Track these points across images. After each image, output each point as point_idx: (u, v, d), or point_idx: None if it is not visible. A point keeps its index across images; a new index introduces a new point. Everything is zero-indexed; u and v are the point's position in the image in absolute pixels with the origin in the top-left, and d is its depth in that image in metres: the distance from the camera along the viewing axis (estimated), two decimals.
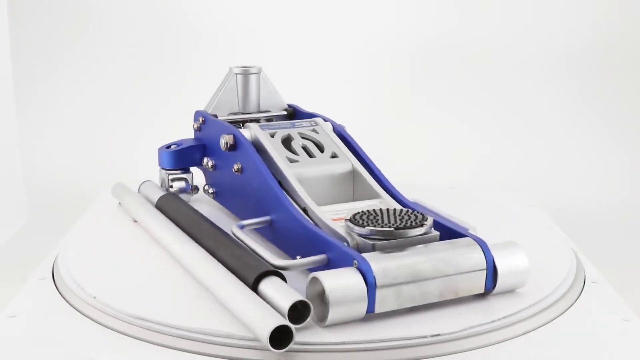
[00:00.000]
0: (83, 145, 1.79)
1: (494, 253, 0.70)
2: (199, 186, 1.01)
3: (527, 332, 0.68)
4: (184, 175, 0.99)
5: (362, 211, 0.72)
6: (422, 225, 0.70)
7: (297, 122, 0.91)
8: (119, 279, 0.76)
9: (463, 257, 0.69)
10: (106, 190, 1.12)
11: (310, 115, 0.95)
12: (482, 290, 0.70)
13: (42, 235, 1.38)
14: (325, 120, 0.92)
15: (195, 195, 1.01)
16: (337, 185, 0.83)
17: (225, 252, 0.74)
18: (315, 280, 0.65)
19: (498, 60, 1.83)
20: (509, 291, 0.72)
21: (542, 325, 0.70)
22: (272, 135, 0.87)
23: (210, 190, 0.97)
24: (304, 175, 0.82)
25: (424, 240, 0.70)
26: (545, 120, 1.82)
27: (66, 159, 1.76)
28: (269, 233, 0.82)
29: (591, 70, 1.82)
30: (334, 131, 0.90)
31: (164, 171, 1.00)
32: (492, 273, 0.70)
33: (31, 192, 1.68)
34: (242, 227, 0.78)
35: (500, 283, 0.70)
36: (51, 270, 0.81)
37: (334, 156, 0.85)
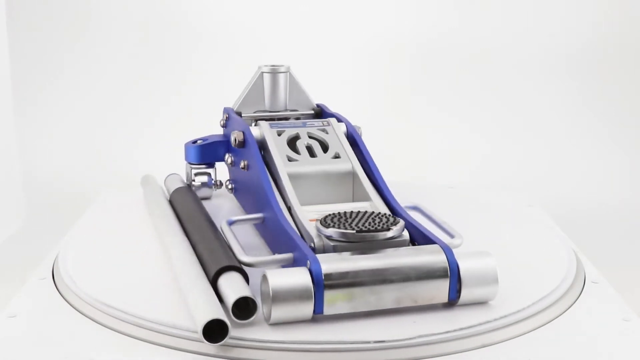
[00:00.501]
0: (83, 145, 1.79)
1: (461, 262, 0.67)
2: (222, 181, 1.02)
3: (527, 332, 0.68)
4: (207, 170, 1.02)
5: (336, 213, 0.72)
6: (388, 229, 0.68)
7: (309, 121, 0.91)
8: (119, 279, 0.76)
9: (424, 263, 0.66)
10: (106, 190, 1.12)
11: (332, 116, 0.95)
12: (445, 300, 0.67)
13: (42, 235, 1.38)
14: (340, 121, 0.92)
15: (218, 190, 1.02)
16: (333, 186, 0.83)
17: (203, 245, 0.75)
18: (264, 277, 0.65)
19: (498, 60, 1.83)
20: (479, 303, 0.69)
21: (542, 325, 0.70)
22: (280, 134, 0.88)
23: (230, 186, 0.98)
24: (299, 174, 0.82)
25: (389, 244, 0.69)
26: (545, 120, 1.82)
27: (66, 158, 1.76)
28: (262, 230, 0.84)
29: (591, 70, 1.82)
30: (347, 132, 0.90)
31: (189, 165, 1.02)
32: (457, 283, 0.67)
33: (31, 192, 1.68)
34: (231, 222, 0.79)
35: (466, 294, 0.67)
36: (51, 270, 0.81)
37: (336, 157, 0.85)
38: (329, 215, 0.71)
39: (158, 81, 1.83)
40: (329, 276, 0.64)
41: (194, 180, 1.01)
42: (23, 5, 1.79)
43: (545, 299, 0.72)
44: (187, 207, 0.89)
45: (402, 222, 0.70)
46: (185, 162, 1.03)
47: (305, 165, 0.84)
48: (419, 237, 0.72)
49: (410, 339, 0.64)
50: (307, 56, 1.83)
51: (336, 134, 0.88)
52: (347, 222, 0.70)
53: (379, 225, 0.69)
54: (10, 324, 0.69)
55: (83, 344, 0.65)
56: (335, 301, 0.65)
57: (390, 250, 0.68)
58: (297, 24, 1.85)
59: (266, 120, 0.96)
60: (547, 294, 0.73)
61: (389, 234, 0.68)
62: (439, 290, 0.67)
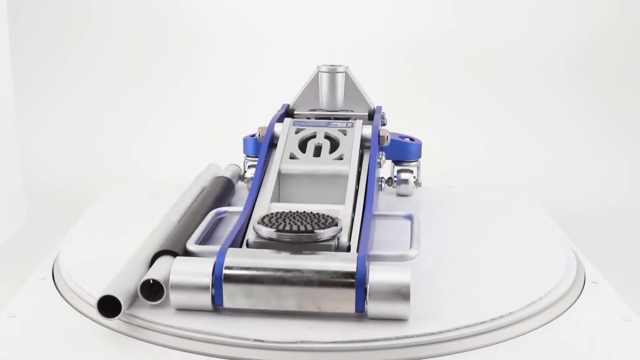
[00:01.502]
0: (83, 145, 1.79)
1: (372, 274, 0.64)
2: None
3: (527, 332, 0.68)
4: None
5: (282, 212, 0.72)
6: (311, 231, 0.67)
7: (335, 121, 0.92)
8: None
9: (329, 270, 0.64)
10: (106, 190, 1.12)
11: (382, 118, 0.99)
12: (352, 310, 0.65)
13: (42, 235, 1.38)
14: (369, 123, 0.92)
15: None
16: (323, 187, 0.83)
17: (177, 229, 0.79)
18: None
19: (498, 60, 1.83)
20: (392, 319, 0.65)
21: (542, 325, 0.70)
22: (298, 132, 0.89)
23: None
24: (292, 172, 0.83)
25: (309, 247, 0.68)
26: (546, 120, 1.82)
27: (66, 158, 1.76)
28: None
29: (591, 70, 1.82)
30: (366, 136, 0.89)
31: (245, 157, 1.06)
32: (364, 294, 0.64)
33: (31, 192, 1.68)
34: (220, 213, 0.82)
35: (372, 307, 0.64)
36: (51, 270, 0.81)
37: (339, 158, 0.85)
38: (275, 213, 0.72)
39: (158, 81, 1.83)
40: (229, 270, 0.65)
41: (245, 172, 1.05)
42: (24, 6, 1.79)
43: (545, 299, 0.72)
44: (203, 194, 0.94)
45: (333, 228, 0.68)
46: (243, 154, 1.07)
47: (301, 164, 0.85)
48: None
49: (290, 342, 0.62)
50: (307, 56, 1.83)
51: (353, 136, 0.88)
52: (283, 221, 0.69)
53: (303, 227, 0.68)
54: (10, 324, 0.69)
55: (83, 344, 0.65)
56: (234, 295, 0.65)
57: (300, 252, 0.67)
58: (297, 24, 1.84)
59: (319, 119, 0.98)
60: (547, 294, 0.73)
61: (309, 235, 0.67)
62: (344, 299, 0.64)
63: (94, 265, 0.80)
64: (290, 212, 0.72)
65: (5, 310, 0.71)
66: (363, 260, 0.65)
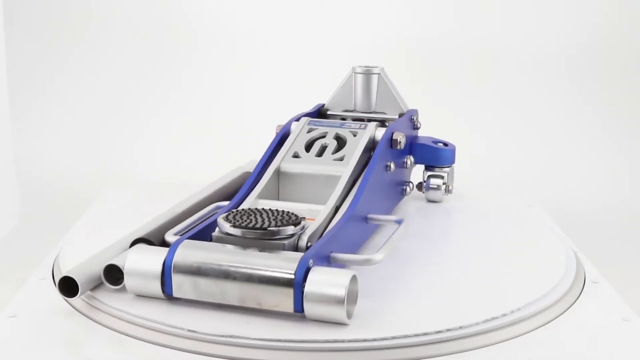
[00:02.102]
0: (83, 145, 1.79)
1: (311, 275, 0.64)
2: None
3: (527, 332, 0.68)
4: None
5: (251, 209, 0.73)
6: (263, 229, 0.68)
7: (348, 122, 0.92)
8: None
9: (269, 268, 0.65)
10: (106, 190, 1.12)
11: (410, 121, 0.99)
12: (290, 310, 0.65)
13: (41, 235, 1.38)
14: (384, 126, 0.91)
15: None
16: (316, 187, 0.83)
17: (171, 220, 0.82)
18: None
19: (498, 60, 1.83)
20: (331, 322, 0.65)
21: (542, 325, 0.70)
22: (310, 131, 0.90)
23: None
24: (290, 171, 0.85)
25: (264, 244, 0.68)
26: (546, 120, 1.82)
27: (66, 158, 1.76)
28: None
29: (591, 70, 1.82)
30: (375, 138, 0.89)
31: None
32: (301, 295, 0.64)
33: (31, 192, 1.68)
34: (220, 206, 0.83)
35: (308, 309, 0.64)
36: (51, 270, 0.81)
37: (339, 159, 0.85)
38: (246, 209, 0.73)
39: (158, 81, 1.82)
40: (178, 261, 0.67)
41: None
42: (22, 5, 1.79)
43: (545, 299, 0.72)
44: (220, 189, 0.96)
45: (290, 227, 0.69)
46: None
47: (300, 163, 0.85)
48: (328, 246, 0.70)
49: (220, 335, 0.64)
50: (307, 56, 1.83)
51: (361, 139, 0.88)
52: (248, 218, 0.70)
53: (261, 224, 0.69)
54: (10, 324, 0.69)
55: (83, 344, 0.65)
56: (182, 286, 0.67)
57: (246, 249, 0.68)
58: (297, 23, 1.84)
59: (353, 120, 0.98)
60: (547, 294, 0.73)
61: (262, 232, 0.68)
62: (283, 298, 0.65)
63: (94, 265, 0.79)
64: (260, 209, 0.73)
65: (5, 310, 0.71)
66: (305, 261, 0.65)
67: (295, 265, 0.65)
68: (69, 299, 0.71)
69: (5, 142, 1.66)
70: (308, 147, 0.88)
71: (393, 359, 0.64)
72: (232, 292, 0.66)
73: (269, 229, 0.68)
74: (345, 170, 0.83)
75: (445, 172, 1.03)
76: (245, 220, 0.70)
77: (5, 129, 1.66)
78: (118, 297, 0.70)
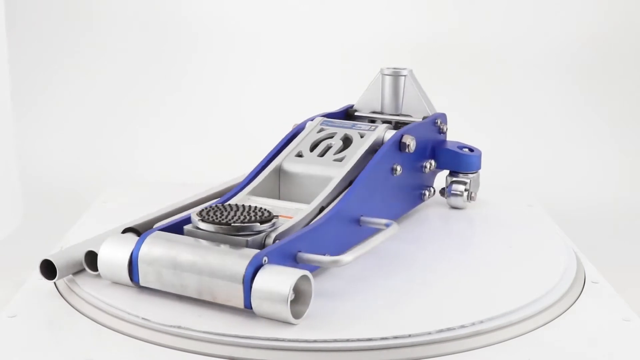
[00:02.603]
0: (83, 145, 1.79)
1: (260, 273, 0.65)
2: None
3: (527, 332, 0.68)
4: None
5: (229, 204, 0.74)
6: (227, 224, 0.69)
7: (359, 124, 0.91)
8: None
9: (223, 265, 0.66)
10: (106, 190, 1.12)
11: (434, 125, 0.97)
12: (241, 305, 0.66)
13: (41, 235, 1.38)
14: (396, 129, 0.91)
15: None
16: (314, 187, 0.83)
17: (171, 211, 0.86)
18: None
19: (498, 60, 1.83)
20: (277, 320, 0.66)
21: (542, 325, 0.70)
22: (321, 131, 0.91)
23: None
24: (290, 170, 0.86)
25: (225, 239, 0.70)
26: (546, 119, 1.82)
27: (66, 158, 1.76)
28: None
29: (592, 69, 1.82)
30: (380, 141, 0.88)
31: None
32: (250, 292, 0.65)
33: (31, 192, 1.68)
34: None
35: (256, 305, 0.65)
36: None
37: (339, 160, 0.85)
38: (221, 205, 0.74)
39: (157, 81, 1.82)
40: (144, 252, 0.70)
41: None
42: (23, 5, 1.79)
43: (545, 299, 0.72)
44: (232, 186, 0.97)
45: (257, 224, 0.70)
46: None
47: (299, 163, 0.86)
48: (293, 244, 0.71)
49: (169, 325, 0.66)
50: (307, 56, 1.83)
51: (367, 141, 0.87)
52: (221, 214, 0.72)
53: (228, 220, 0.70)
54: (10, 324, 0.69)
55: (83, 344, 0.65)
56: (147, 276, 0.70)
57: (207, 243, 0.69)
58: (297, 23, 1.84)
59: (385, 123, 0.96)
60: (547, 294, 0.73)
61: (224, 229, 0.69)
62: (234, 294, 0.66)
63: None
64: (239, 205, 0.74)
65: (5, 310, 0.71)
66: (257, 259, 0.66)
67: (245, 263, 0.66)
68: (48, 281, 0.75)
69: (8, 142, 1.66)
70: (314, 147, 0.89)
71: (393, 359, 0.64)
72: (190, 284, 0.68)
73: (232, 224, 0.69)
74: (339, 172, 0.83)
75: (468, 178, 0.99)
76: (216, 216, 0.71)
77: (7, 129, 1.66)
78: (95, 284, 0.73)
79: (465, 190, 0.99)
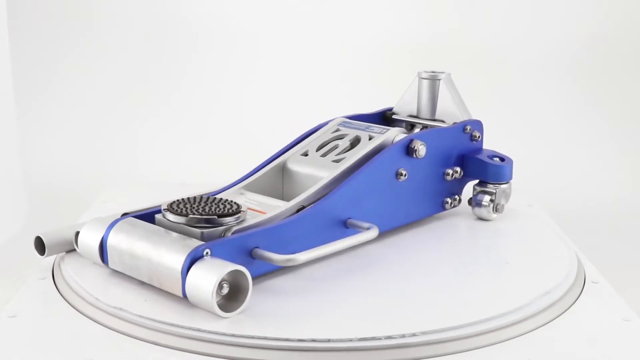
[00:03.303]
0: (83, 145, 1.79)
1: (194, 266, 0.67)
2: None
3: (527, 332, 0.68)
4: None
5: (203, 197, 0.77)
6: (184, 215, 0.72)
7: (374, 126, 0.90)
8: (119, 278, 0.76)
9: (167, 254, 0.69)
10: (106, 190, 1.12)
11: (465, 132, 0.93)
12: (180, 294, 0.68)
13: None
14: (409, 133, 0.90)
15: None
16: (309, 186, 0.83)
17: None
18: None
19: (498, 60, 1.83)
20: (208, 311, 0.67)
21: (542, 325, 0.70)
22: (336, 131, 0.91)
23: None
24: (291, 168, 0.87)
25: (184, 230, 0.72)
26: (546, 119, 1.82)
27: (66, 158, 1.76)
28: None
29: (592, 69, 1.82)
30: (384, 144, 0.87)
31: None
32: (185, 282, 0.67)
33: (31, 192, 1.68)
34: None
35: (189, 296, 0.67)
36: (51, 270, 0.81)
37: (337, 161, 0.85)
38: (196, 197, 0.77)
39: (158, 81, 1.82)
40: (112, 236, 0.74)
41: None
42: (24, 5, 1.79)
43: (545, 299, 0.72)
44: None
45: (215, 217, 0.72)
46: None
47: (302, 162, 0.87)
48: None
49: (112, 306, 0.69)
50: (307, 56, 1.83)
51: (372, 144, 0.86)
52: (191, 206, 0.75)
53: (187, 212, 0.73)
54: (10, 324, 0.69)
55: (83, 344, 0.65)
56: (113, 258, 0.74)
57: (161, 232, 0.72)
58: (297, 23, 1.84)
59: (420, 127, 0.96)
60: (547, 294, 0.73)
61: (184, 219, 0.72)
62: (174, 283, 0.68)
63: (93, 265, 0.80)
64: (214, 198, 0.77)
65: (5, 310, 0.71)
66: (198, 251, 0.68)
67: (184, 256, 0.68)
68: (41, 257, 0.81)
69: (9, 142, 1.66)
70: (321, 147, 0.89)
71: (393, 358, 0.64)
72: (142, 270, 0.71)
73: (189, 216, 0.72)
74: (331, 173, 0.82)
75: (495, 188, 0.94)
76: (181, 207, 0.74)
77: (9, 129, 1.66)
78: (100, 286, 0.73)
79: (491, 201, 0.94)
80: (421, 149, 0.86)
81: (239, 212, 0.73)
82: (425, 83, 0.98)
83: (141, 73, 1.82)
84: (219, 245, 0.69)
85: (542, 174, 1.75)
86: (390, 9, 1.84)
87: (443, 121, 0.97)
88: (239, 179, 0.85)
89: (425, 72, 0.98)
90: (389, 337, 0.64)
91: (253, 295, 0.69)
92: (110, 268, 0.75)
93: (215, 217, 0.72)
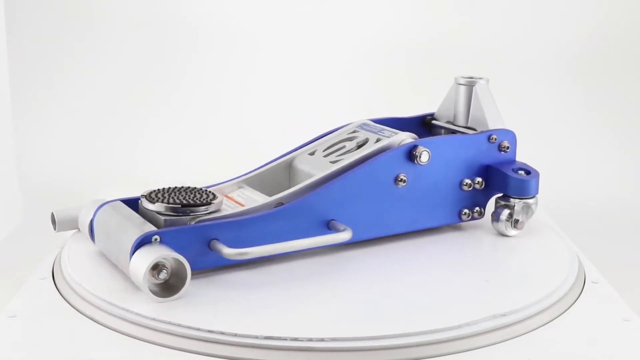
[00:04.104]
0: (82, 145, 1.79)
1: (134, 255, 0.70)
2: None
3: (527, 332, 0.68)
4: None
5: (185, 187, 0.82)
6: (159, 201, 0.76)
7: (387, 129, 0.88)
8: (119, 278, 0.76)
9: (125, 238, 0.73)
10: (106, 190, 1.12)
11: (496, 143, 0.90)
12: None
13: (41, 236, 1.38)
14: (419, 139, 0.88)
15: None
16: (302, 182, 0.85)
17: None
18: None
19: (499, 59, 1.83)
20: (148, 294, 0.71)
21: (542, 325, 0.70)
22: (353, 132, 0.91)
23: None
24: (295, 166, 0.88)
25: (150, 215, 0.77)
26: (546, 119, 1.82)
27: (66, 158, 1.76)
28: None
29: (594, 69, 1.81)
30: (384, 147, 0.85)
31: None
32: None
33: (30, 192, 1.68)
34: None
35: (131, 278, 0.72)
36: (51, 270, 0.81)
37: (336, 161, 0.85)
38: (179, 187, 0.81)
39: (157, 81, 1.82)
40: (97, 218, 0.79)
41: None
42: (23, 5, 1.79)
43: (545, 299, 0.72)
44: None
45: (179, 207, 0.76)
46: None
47: (304, 161, 0.88)
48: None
49: (78, 284, 0.73)
50: (307, 56, 1.83)
51: (376, 147, 0.85)
52: (167, 195, 0.79)
53: (157, 200, 0.77)
54: (10, 324, 0.69)
55: (83, 344, 0.65)
56: (98, 237, 0.80)
57: (132, 217, 0.77)
58: (297, 23, 1.84)
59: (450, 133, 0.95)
60: (547, 294, 0.73)
61: (156, 207, 0.76)
62: (126, 265, 0.72)
63: (93, 265, 0.80)
64: (196, 189, 0.81)
65: (5, 310, 0.71)
66: (146, 237, 0.71)
67: (130, 244, 0.71)
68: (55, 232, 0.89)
69: (8, 142, 1.66)
70: (329, 147, 0.89)
71: (394, 358, 0.64)
72: (111, 251, 0.77)
73: (156, 203, 0.76)
74: (321, 173, 0.82)
75: (516, 203, 0.88)
76: (157, 196, 0.78)
77: (7, 129, 1.66)
78: (101, 286, 0.72)
79: (510, 215, 0.89)
80: (424, 155, 0.83)
81: (209, 203, 0.76)
82: (462, 89, 0.95)
83: (141, 73, 1.82)
84: (171, 233, 0.72)
85: (542, 173, 1.75)
86: (390, 9, 1.84)
87: (474, 129, 0.93)
88: (244, 173, 0.87)
89: (462, 77, 0.95)
90: (388, 338, 0.64)
91: (255, 292, 0.69)
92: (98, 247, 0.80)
93: (179, 206, 0.75)
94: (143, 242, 0.71)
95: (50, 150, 1.77)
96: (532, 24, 1.84)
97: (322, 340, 0.64)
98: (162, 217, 0.75)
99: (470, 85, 0.94)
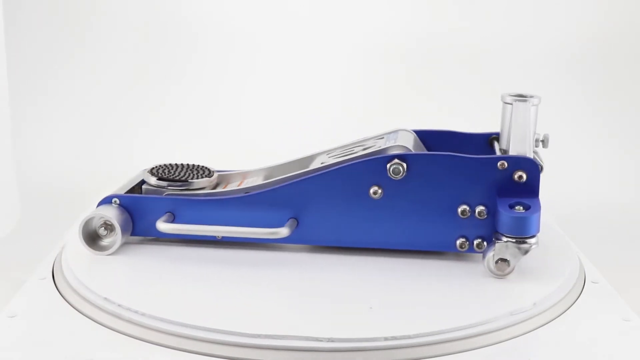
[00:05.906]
0: (82, 144, 1.79)
1: (98, 208, 0.83)
2: None
3: (527, 332, 0.68)
4: None
5: (177, 164, 0.91)
6: (154, 175, 0.86)
7: (403, 136, 0.86)
8: (119, 278, 0.76)
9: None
10: (105, 189, 1.12)
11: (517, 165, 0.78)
12: None
13: (41, 235, 1.38)
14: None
15: None
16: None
17: None
18: None
19: (499, 59, 1.83)
20: None
21: (542, 325, 0.70)
22: (380, 138, 0.88)
23: None
24: (310, 163, 0.90)
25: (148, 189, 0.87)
26: (546, 119, 1.82)
27: (65, 158, 1.76)
28: None
29: (594, 70, 1.82)
30: (384, 148, 0.83)
31: None
32: None
33: (30, 192, 1.68)
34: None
35: None
36: (51, 270, 0.81)
37: (323, 162, 0.86)
38: (182, 164, 0.91)
39: (157, 81, 1.82)
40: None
41: None
42: (22, 4, 1.79)
43: (545, 299, 0.72)
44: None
45: (161, 182, 0.85)
46: None
47: (315, 159, 0.89)
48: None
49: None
50: (306, 56, 1.83)
51: (363, 152, 0.85)
52: (174, 170, 0.88)
53: (163, 175, 0.86)
54: (10, 324, 0.69)
55: (83, 344, 0.65)
56: None
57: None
58: (297, 23, 1.84)
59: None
60: (547, 295, 0.73)
61: (153, 182, 0.86)
62: None
63: (94, 265, 0.80)
64: (194, 166, 0.89)
65: (5, 310, 0.71)
66: (107, 198, 0.83)
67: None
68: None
69: (6, 142, 1.66)
70: (342, 149, 0.89)
71: (394, 358, 0.64)
72: None
73: (159, 176, 0.86)
74: (303, 170, 0.84)
75: (502, 241, 0.76)
76: (160, 171, 0.87)
77: (6, 129, 1.66)
78: (101, 286, 0.71)
79: (493, 255, 0.76)
80: (396, 169, 0.77)
81: (185, 181, 0.84)
82: (506, 108, 0.86)
83: (141, 73, 1.82)
84: (128, 199, 0.83)
85: (542, 174, 1.75)
86: (390, 9, 1.84)
87: (506, 151, 0.83)
88: (275, 164, 0.91)
89: (508, 95, 0.85)
90: (388, 339, 0.64)
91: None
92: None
93: (161, 181, 0.85)
94: (104, 202, 0.84)
95: (50, 150, 1.77)
96: (532, 24, 1.84)
97: (319, 340, 0.64)
98: (148, 187, 0.87)
99: (507, 104, 0.84)
